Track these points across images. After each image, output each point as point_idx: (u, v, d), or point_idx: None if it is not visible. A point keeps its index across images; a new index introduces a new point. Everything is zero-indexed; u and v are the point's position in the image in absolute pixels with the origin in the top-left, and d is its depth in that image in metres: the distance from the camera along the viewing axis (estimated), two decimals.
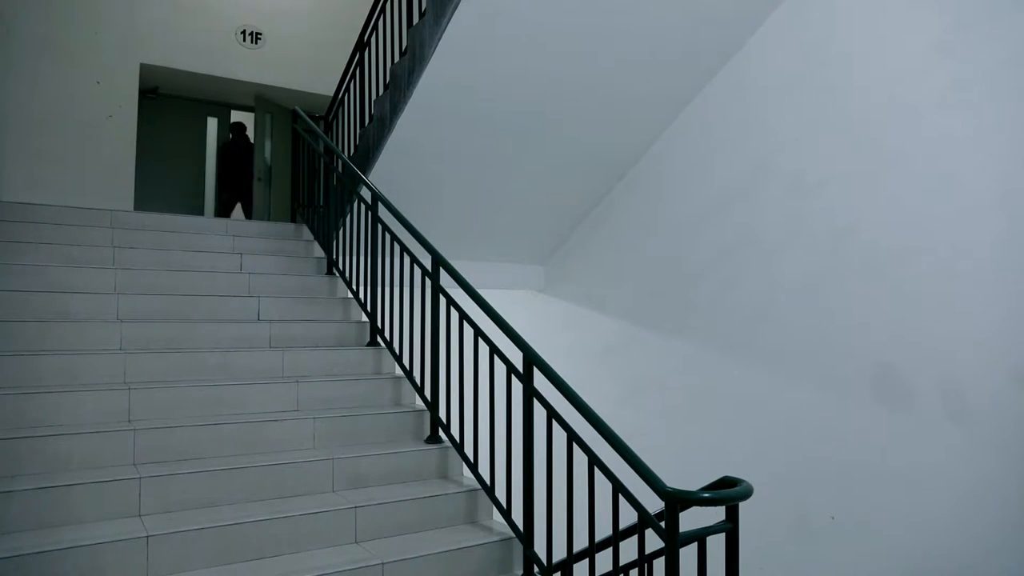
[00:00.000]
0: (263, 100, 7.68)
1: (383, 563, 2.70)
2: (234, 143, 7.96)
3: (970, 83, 3.43)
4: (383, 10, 5.24)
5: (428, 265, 3.60)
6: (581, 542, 2.78)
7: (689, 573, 2.20)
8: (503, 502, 3.13)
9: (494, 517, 3.25)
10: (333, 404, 3.60)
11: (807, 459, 3.99)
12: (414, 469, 3.34)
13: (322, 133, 5.39)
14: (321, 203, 5.29)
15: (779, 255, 4.29)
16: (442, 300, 3.54)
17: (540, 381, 2.85)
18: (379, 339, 4.08)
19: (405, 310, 3.89)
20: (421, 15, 4.47)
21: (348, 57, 5.85)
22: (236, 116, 8.59)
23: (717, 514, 2.30)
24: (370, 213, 4.19)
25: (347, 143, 5.78)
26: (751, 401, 4.38)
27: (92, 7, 6.50)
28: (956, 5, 3.52)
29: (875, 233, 3.78)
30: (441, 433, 3.53)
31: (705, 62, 4.69)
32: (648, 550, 2.44)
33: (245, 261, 4.58)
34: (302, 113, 5.59)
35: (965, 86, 3.45)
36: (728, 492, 2.24)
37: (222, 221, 5.34)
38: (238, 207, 8.21)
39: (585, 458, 2.59)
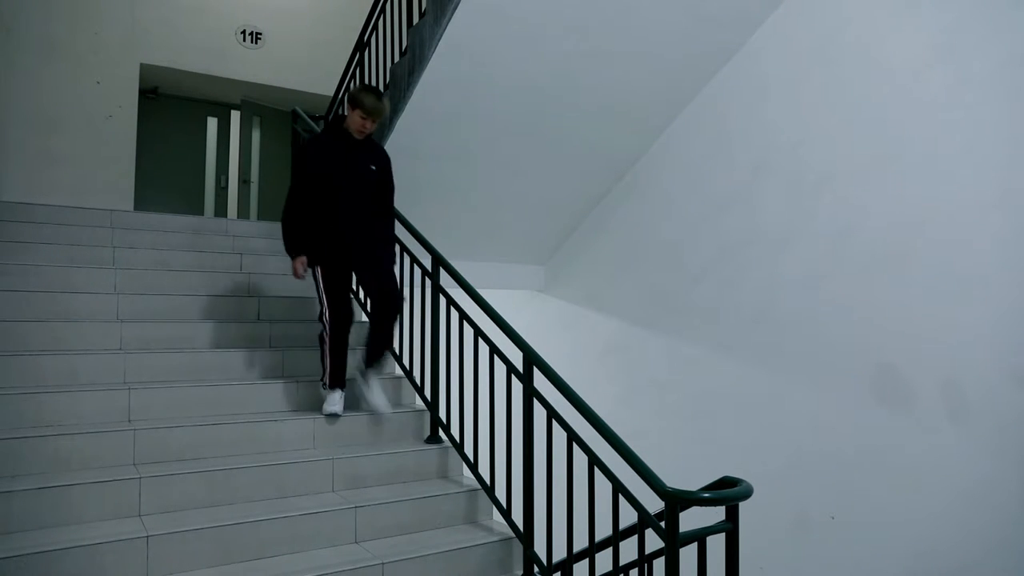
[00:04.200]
0: (249, 103, 7.68)
1: (383, 563, 2.70)
2: (350, 139, 3.47)
3: (970, 82, 3.43)
4: (383, 10, 5.24)
5: (428, 265, 3.60)
6: (581, 542, 2.78)
7: (689, 573, 2.20)
8: (503, 502, 3.13)
9: (494, 517, 3.25)
10: None
11: (807, 459, 3.98)
12: (414, 469, 3.34)
13: None
14: None
15: (779, 255, 4.29)
16: (442, 300, 3.54)
17: (540, 381, 2.85)
18: None
19: (405, 310, 3.90)
20: (421, 15, 4.47)
21: (348, 57, 5.85)
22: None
23: (717, 514, 2.30)
24: None
25: None
26: (751, 401, 4.37)
27: (92, 7, 6.50)
28: (956, 4, 3.52)
29: (875, 233, 3.78)
30: (441, 433, 3.53)
31: (705, 62, 4.69)
32: (648, 550, 2.44)
33: (245, 261, 4.58)
34: (302, 113, 5.59)
35: (965, 85, 3.45)
36: (728, 492, 2.24)
37: (222, 221, 5.34)
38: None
39: (585, 458, 2.59)
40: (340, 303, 3.44)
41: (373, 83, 5.35)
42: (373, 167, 3.51)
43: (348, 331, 3.46)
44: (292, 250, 3.47)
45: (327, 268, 3.41)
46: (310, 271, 3.48)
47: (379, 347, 3.48)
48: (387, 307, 3.45)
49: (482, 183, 5.25)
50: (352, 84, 5.74)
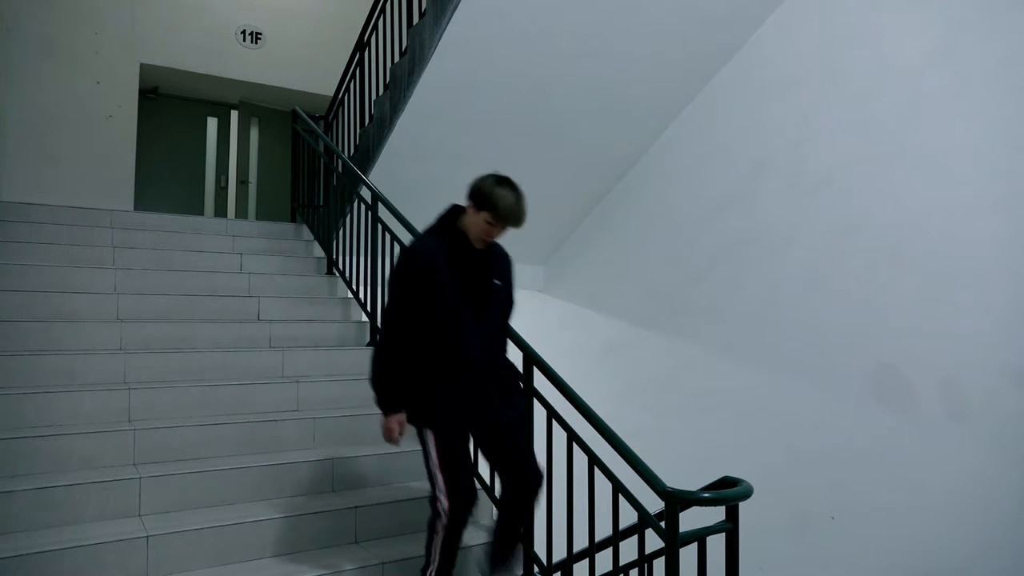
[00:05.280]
0: (247, 104, 7.68)
1: (383, 563, 2.70)
2: (469, 247, 2.48)
3: (970, 83, 3.43)
4: (383, 10, 5.24)
5: None
6: (581, 542, 2.78)
7: (689, 573, 2.20)
8: None
9: (494, 517, 3.25)
10: (333, 404, 3.60)
11: (807, 459, 3.98)
12: (414, 469, 3.33)
13: (322, 133, 5.40)
14: (321, 203, 5.29)
15: (779, 255, 4.29)
16: None
17: (540, 381, 2.85)
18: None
19: None
20: (421, 15, 4.47)
21: (348, 57, 5.85)
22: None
23: (717, 514, 2.30)
24: (370, 213, 4.20)
25: (347, 143, 5.78)
26: (751, 400, 4.37)
27: (92, 7, 6.50)
28: (956, 4, 3.51)
29: (875, 232, 3.78)
30: None
31: (705, 62, 4.69)
32: (648, 550, 2.44)
33: (245, 261, 4.58)
34: (302, 113, 5.60)
35: (965, 85, 3.45)
36: (728, 492, 2.24)
37: (222, 221, 5.34)
38: None
39: (585, 458, 2.59)
40: (463, 481, 2.43)
41: (373, 83, 5.33)
42: (498, 281, 2.55)
43: (471, 515, 2.50)
44: (388, 403, 2.46)
45: (443, 431, 2.41)
46: (410, 430, 2.53)
47: (512, 542, 2.61)
48: (526, 491, 2.53)
49: None
50: (352, 84, 5.73)
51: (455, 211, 2.50)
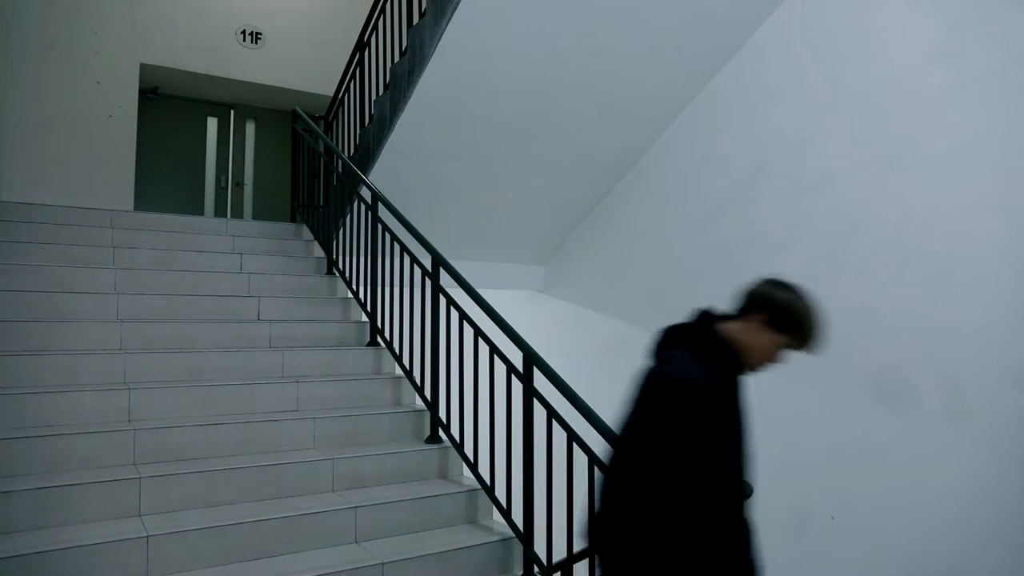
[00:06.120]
0: (243, 105, 7.69)
1: (383, 563, 2.70)
2: (740, 372, 1.94)
3: (970, 82, 3.43)
4: (383, 10, 5.23)
5: (428, 265, 3.60)
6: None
7: None
8: (503, 502, 3.13)
9: (494, 517, 3.25)
10: (333, 404, 3.60)
11: (807, 458, 3.98)
12: (414, 469, 3.34)
13: (322, 133, 5.40)
14: (321, 203, 5.29)
15: (779, 255, 4.29)
16: (442, 300, 3.54)
17: (540, 381, 2.85)
18: (379, 339, 4.08)
19: (405, 310, 3.90)
20: (421, 15, 4.46)
21: (348, 57, 5.85)
22: None
23: None
24: (370, 213, 4.20)
25: (347, 143, 5.78)
26: (751, 400, 4.36)
27: (92, 7, 6.49)
28: (956, 4, 3.51)
29: (875, 232, 3.78)
30: (441, 433, 3.53)
31: (705, 61, 4.69)
32: None
33: (245, 261, 4.58)
34: (302, 113, 5.60)
35: (965, 85, 3.45)
36: None
37: (222, 221, 5.34)
38: None
39: (585, 458, 2.59)
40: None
41: (373, 83, 5.33)
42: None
43: None
44: None
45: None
46: None
47: None
48: None
49: (482, 183, 5.25)
50: (352, 84, 5.71)
51: (709, 320, 1.91)
